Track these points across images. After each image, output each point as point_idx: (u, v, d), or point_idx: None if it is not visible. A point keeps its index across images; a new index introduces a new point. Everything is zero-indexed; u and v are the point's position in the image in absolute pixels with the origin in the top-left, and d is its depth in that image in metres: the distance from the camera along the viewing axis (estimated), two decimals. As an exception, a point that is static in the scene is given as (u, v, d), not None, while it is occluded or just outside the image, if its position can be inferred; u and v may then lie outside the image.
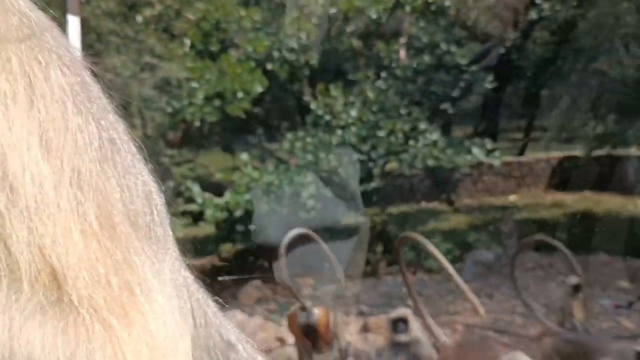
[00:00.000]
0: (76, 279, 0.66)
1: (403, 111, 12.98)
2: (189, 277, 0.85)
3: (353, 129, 12.28)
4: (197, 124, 13.06)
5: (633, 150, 14.44)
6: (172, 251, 0.81)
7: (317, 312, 5.22)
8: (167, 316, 0.71)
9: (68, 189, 0.69)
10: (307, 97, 16.96)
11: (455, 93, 14.12)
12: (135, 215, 0.74)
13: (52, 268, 0.66)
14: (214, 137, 21.33)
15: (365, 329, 7.43)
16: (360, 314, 8.34)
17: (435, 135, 12.48)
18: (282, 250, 5.26)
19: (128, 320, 0.68)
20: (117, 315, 0.67)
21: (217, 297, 0.92)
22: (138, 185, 0.77)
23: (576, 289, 6.84)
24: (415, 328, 4.93)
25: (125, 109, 0.88)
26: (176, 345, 0.71)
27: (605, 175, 16.65)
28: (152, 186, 0.82)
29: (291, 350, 7.45)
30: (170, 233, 0.82)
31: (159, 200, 0.81)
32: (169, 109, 12.57)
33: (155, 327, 0.69)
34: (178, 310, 0.75)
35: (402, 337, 4.87)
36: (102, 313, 0.67)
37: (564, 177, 17.90)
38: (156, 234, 0.77)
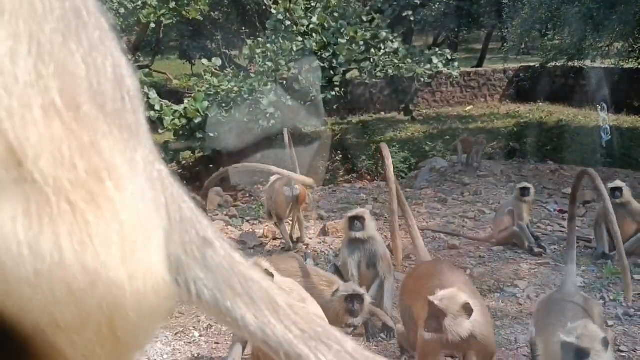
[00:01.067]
0: (38, 158, 0.59)
1: (365, 18, 12.75)
2: (163, 170, 0.77)
3: (314, 35, 12.03)
4: (153, 26, 12.57)
5: (589, 63, 14.64)
6: (146, 142, 0.72)
7: (299, 188, 6.66)
8: (139, 206, 0.65)
9: (26, 59, 0.61)
10: (267, 1, 16.41)
11: (418, 0, 13.89)
12: (103, 99, 0.66)
13: (10, 144, 0.59)
14: (170, 42, 20.57)
15: (323, 232, 7.70)
16: (320, 218, 8.60)
17: (396, 44, 12.36)
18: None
19: (96, 206, 0.61)
20: (84, 200, 0.61)
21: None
22: (107, 66, 0.68)
23: (524, 193, 7.21)
24: (372, 227, 5.07)
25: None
26: (149, 237, 0.66)
27: (560, 87, 17.01)
28: (125, 69, 0.72)
29: (253, 253, 7.72)
30: (144, 122, 0.73)
31: (131, 85, 0.72)
32: (122, 10, 12.01)
33: (126, 216, 0.63)
34: (151, 202, 0.68)
35: (359, 234, 4.98)
36: (69, 193, 0.60)
37: (519, 88, 18.20)
38: (127, 122, 0.68)
